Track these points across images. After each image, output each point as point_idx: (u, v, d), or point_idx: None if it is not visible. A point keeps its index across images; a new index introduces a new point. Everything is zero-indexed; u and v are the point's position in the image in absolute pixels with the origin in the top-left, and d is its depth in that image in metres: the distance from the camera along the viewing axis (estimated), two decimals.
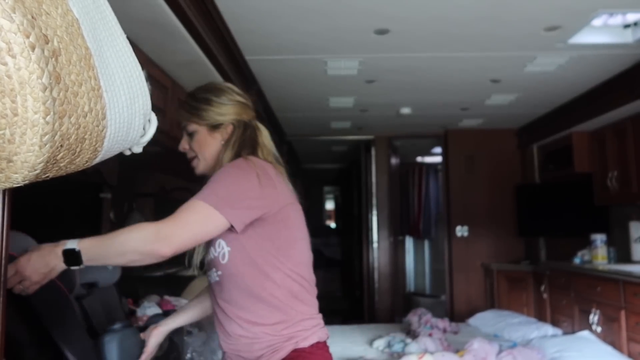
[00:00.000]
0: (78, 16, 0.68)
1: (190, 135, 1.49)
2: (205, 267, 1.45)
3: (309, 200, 10.83)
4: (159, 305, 2.25)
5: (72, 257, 1.17)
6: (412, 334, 4.06)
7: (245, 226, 1.30)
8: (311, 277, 1.43)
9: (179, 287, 2.69)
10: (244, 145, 1.44)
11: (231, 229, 1.29)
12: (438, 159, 6.72)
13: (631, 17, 2.90)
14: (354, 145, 6.76)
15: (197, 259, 1.42)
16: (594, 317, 3.79)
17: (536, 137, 5.32)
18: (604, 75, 3.69)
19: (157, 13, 1.99)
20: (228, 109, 1.47)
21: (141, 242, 1.20)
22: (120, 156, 0.89)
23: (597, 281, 3.80)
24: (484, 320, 4.62)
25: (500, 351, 3.29)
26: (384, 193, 6.16)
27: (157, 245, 1.19)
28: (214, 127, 1.47)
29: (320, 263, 9.80)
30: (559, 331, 4.19)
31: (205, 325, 2.12)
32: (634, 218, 4.04)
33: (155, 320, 1.59)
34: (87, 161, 0.74)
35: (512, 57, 3.32)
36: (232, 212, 1.27)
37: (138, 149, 0.89)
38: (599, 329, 3.73)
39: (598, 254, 4.15)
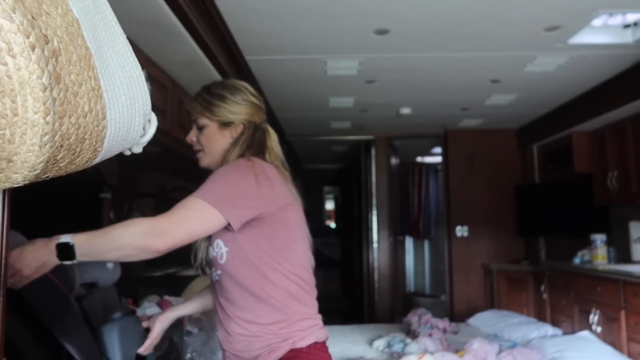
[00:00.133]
0: (78, 16, 0.68)
1: (200, 128, 1.50)
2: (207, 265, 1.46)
3: (309, 200, 10.83)
4: (159, 305, 2.25)
5: (65, 251, 1.16)
6: (412, 334, 4.06)
7: (242, 225, 1.30)
8: (310, 279, 1.43)
9: (179, 287, 2.69)
10: (251, 146, 1.45)
11: (228, 228, 1.30)
12: (438, 159, 6.72)
13: (631, 17, 2.90)
14: (354, 145, 6.76)
15: (202, 256, 1.42)
16: (594, 317, 3.79)
17: (536, 137, 5.32)
18: (604, 75, 3.69)
19: (157, 13, 1.99)
20: (241, 108, 1.48)
21: (136, 237, 1.20)
22: (120, 156, 0.89)
23: (597, 281, 3.80)
24: (484, 320, 4.62)
25: (500, 351, 3.29)
26: (384, 193, 6.16)
27: (152, 240, 1.19)
28: (225, 124, 1.47)
29: (320, 263, 9.79)
30: (559, 331, 4.19)
31: (206, 325, 2.12)
32: (634, 218, 4.04)
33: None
34: (87, 161, 0.74)
35: (512, 57, 3.32)
36: (229, 210, 1.27)
37: (138, 149, 0.89)
38: (599, 329, 3.73)
39: (598, 254, 4.15)
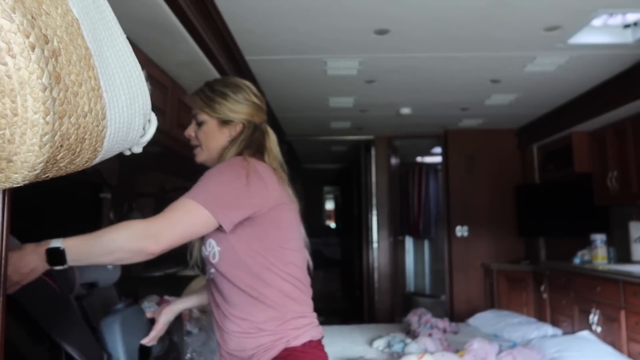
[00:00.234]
0: (78, 16, 0.68)
1: (199, 124, 1.50)
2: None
3: (309, 200, 10.84)
4: (159, 305, 2.25)
5: (55, 256, 1.14)
6: (412, 334, 4.06)
7: (234, 226, 1.30)
8: (305, 278, 1.42)
9: (179, 287, 2.69)
10: (249, 146, 1.44)
11: (220, 228, 1.29)
12: (438, 159, 6.72)
13: (631, 17, 2.90)
14: (354, 145, 6.76)
15: (196, 254, 1.42)
16: (593, 317, 3.79)
17: (536, 137, 5.32)
18: (604, 75, 3.69)
19: (157, 13, 1.99)
20: (242, 107, 1.48)
21: (129, 240, 1.19)
22: (120, 156, 0.89)
23: (597, 281, 3.80)
24: (483, 320, 4.62)
25: (500, 351, 3.29)
26: (384, 193, 6.16)
27: (146, 243, 1.18)
28: (224, 122, 1.47)
29: (320, 263, 9.85)
30: (558, 331, 4.19)
31: (205, 325, 2.12)
32: (634, 218, 4.05)
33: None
34: (87, 161, 0.74)
35: (512, 57, 3.32)
36: (221, 212, 1.27)
37: (138, 149, 0.89)
38: (598, 329, 3.73)
39: (598, 254, 4.15)
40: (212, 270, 1.39)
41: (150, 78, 2.27)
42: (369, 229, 6.21)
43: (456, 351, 3.34)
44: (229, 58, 2.99)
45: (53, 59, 0.60)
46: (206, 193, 1.28)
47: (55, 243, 1.15)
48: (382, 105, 4.63)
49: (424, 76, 3.74)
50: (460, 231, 5.71)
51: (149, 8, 1.94)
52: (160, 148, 2.47)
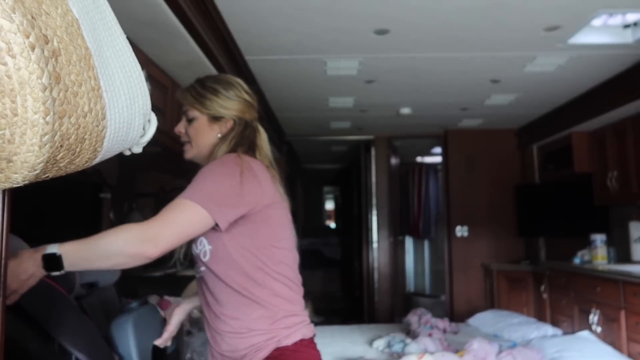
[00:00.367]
0: (78, 16, 0.68)
1: (189, 120, 1.49)
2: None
3: (309, 200, 10.83)
4: (159, 305, 2.25)
5: (52, 262, 1.12)
6: (412, 334, 4.06)
7: (229, 224, 1.29)
8: (296, 277, 1.42)
9: (179, 287, 2.69)
10: (240, 143, 1.43)
11: (215, 228, 1.29)
12: (438, 159, 6.72)
13: (631, 17, 2.90)
14: (354, 145, 6.76)
15: (179, 253, 1.40)
16: (593, 317, 3.79)
17: (536, 137, 5.32)
18: (604, 75, 3.69)
19: (157, 13, 1.99)
20: (233, 104, 1.46)
21: (127, 244, 1.17)
22: (120, 156, 0.89)
23: (597, 281, 3.80)
24: (483, 320, 4.62)
25: (500, 351, 3.29)
26: (383, 193, 6.16)
27: (144, 247, 1.16)
28: (215, 118, 1.46)
29: (320, 263, 9.86)
30: (558, 331, 4.19)
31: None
32: (634, 218, 4.05)
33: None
34: (87, 161, 0.74)
35: (512, 57, 3.32)
36: (218, 210, 1.26)
37: (138, 149, 0.89)
38: (598, 329, 3.74)
39: (598, 254, 4.15)
40: (203, 268, 1.38)
41: (150, 78, 2.27)
42: (369, 229, 6.21)
43: (456, 351, 3.34)
44: (229, 58, 2.99)
45: (53, 59, 0.60)
46: (202, 192, 1.27)
47: (52, 249, 1.13)
48: (382, 105, 4.63)
49: (424, 76, 3.74)
50: (460, 231, 5.71)
51: (149, 8, 1.94)
52: (160, 148, 2.47)
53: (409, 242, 7.97)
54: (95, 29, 0.72)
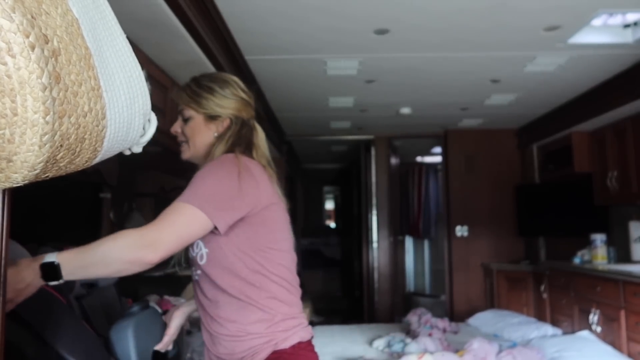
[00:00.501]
0: (78, 16, 0.68)
1: (185, 120, 1.47)
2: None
3: (309, 200, 10.83)
4: (159, 305, 2.25)
5: (50, 271, 1.10)
6: (411, 333, 4.06)
7: (228, 227, 1.27)
8: (293, 279, 1.40)
9: (179, 287, 2.70)
10: (238, 142, 1.41)
11: (214, 231, 1.27)
12: (438, 159, 6.72)
13: (631, 17, 2.90)
14: (354, 145, 6.76)
15: (178, 256, 1.39)
16: (593, 317, 3.79)
17: (536, 137, 5.32)
18: (604, 75, 3.69)
19: (157, 13, 1.99)
20: (229, 102, 1.44)
21: (126, 250, 1.15)
22: (120, 156, 0.89)
23: (597, 281, 3.80)
24: (483, 320, 4.62)
25: (500, 351, 3.29)
26: (383, 193, 6.16)
27: (143, 252, 1.14)
28: (211, 117, 1.44)
29: (320, 263, 9.86)
30: (558, 331, 4.19)
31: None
32: (634, 218, 4.05)
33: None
34: (86, 161, 0.74)
35: (512, 57, 3.32)
36: (217, 214, 1.24)
37: (138, 149, 0.89)
38: (598, 329, 3.74)
39: (598, 253, 4.15)
40: (199, 272, 1.36)
41: (150, 78, 2.27)
42: (368, 229, 6.21)
43: (456, 351, 3.34)
44: (229, 58, 2.99)
45: (53, 59, 0.60)
46: (200, 195, 1.25)
47: (50, 257, 1.11)
48: (382, 105, 4.63)
49: (424, 76, 3.74)
50: (460, 231, 5.71)
51: (149, 8, 1.94)
52: (160, 148, 2.47)
53: (409, 242, 7.97)
54: (95, 29, 0.72)
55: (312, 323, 1.46)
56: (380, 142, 6.16)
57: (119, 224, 2.63)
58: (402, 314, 5.37)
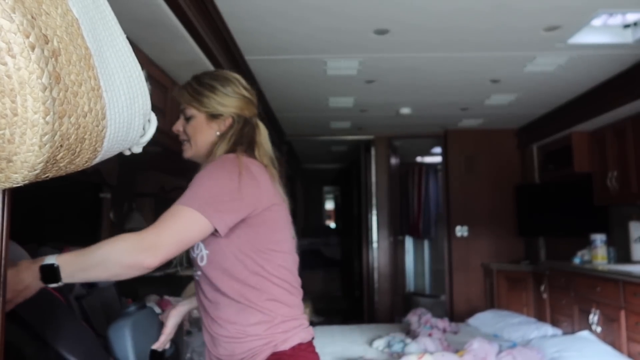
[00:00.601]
0: (78, 16, 0.68)
1: (187, 119, 1.46)
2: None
3: (309, 200, 10.83)
4: (159, 305, 2.25)
5: (50, 273, 1.10)
6: (411, 334, 4.06)
7: (228, 230, 1.26)
8: (295, 280, 1.39)
9: (179, 287, 2.69)
10: (240, 141, 1.39)
11: (215, 234, 1.26)
12: (438, 159, 6.72)
13: (631, 17, 2.90)
14: (354, 145, 6.76)
15: (180, 256, 1.36)
16: (593, 317, 3.79)
17: (536, 137, 5.32)
18: (604, 75, 3.69)
19: (157, 13, 1.99)
20: (231, 101, 1.43)
21: (125, 254, 1.14)
22: (120, 156, 0.89)
23: (597, 281, 3.80)
24: (483, 320, 4.62)
25: (500, 351, 3.29)
26: (383, 193, 6.16)
27: (142, 256, 1.13)
28: (213, 116, 1.43)
29: (320, 263, 9.85)
30: (558, 331, 4.20)
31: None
32: (634, 218, 4.05)
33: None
34: (86, 161, 0.74)
35: (512, 57, 3.32)
36: (217, 216, 1.22)
37: (138, 149, 0.89)
38: (598, 329, 3.74)
39: (598, 254, 4.15)
40: (199, 273, 1.36)
41: (150, 78, 2.27)
42: (368, 229, 6.21)
43: (456, 351, 3.34)
44: (229, 58, 2.99)
45: (53, 59, 0.60)
46: (199, 197, 1.23)
47: (50, 260, 1.11)
48: (382, 105, 4.63)
49: (424, 76, 3.74)
50: (460, 231, 5.71)
51: (149, 8, 1.94)
52: (160, 148, 2.47)
53: (409, 242, 7.97)
54: (95, 29, 0.72)
55: (312, 323, 1.45)
56: (380, 142, 6.16)
57: (119, 224, 2.63)
58: (402, 314, 5.37)
